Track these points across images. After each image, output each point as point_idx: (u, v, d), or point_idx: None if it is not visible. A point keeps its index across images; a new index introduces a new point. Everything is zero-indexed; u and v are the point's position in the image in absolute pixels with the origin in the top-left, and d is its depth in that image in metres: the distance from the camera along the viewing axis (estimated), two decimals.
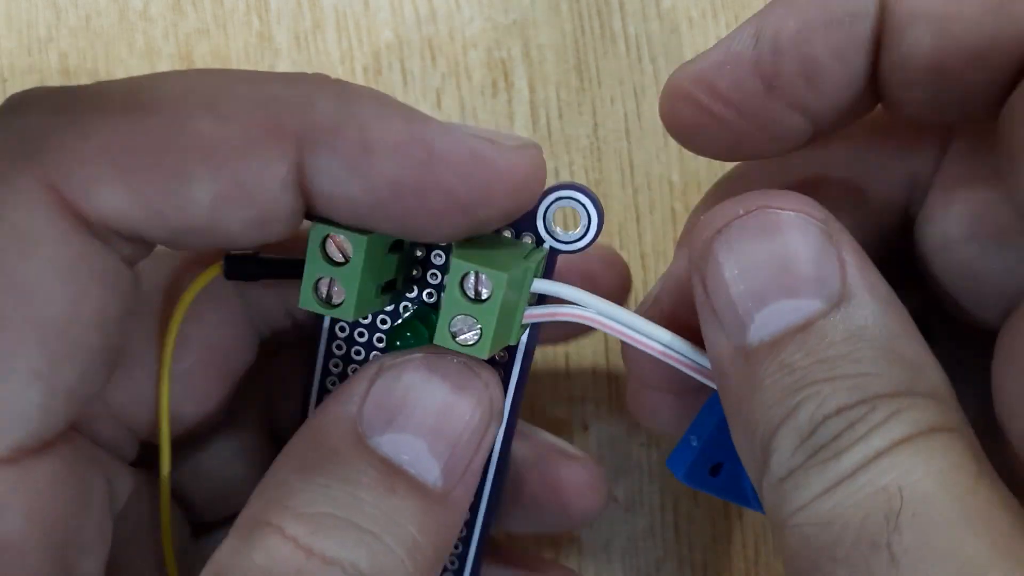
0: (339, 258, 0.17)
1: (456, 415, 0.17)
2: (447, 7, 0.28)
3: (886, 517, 0.14)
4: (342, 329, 0.20)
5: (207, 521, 0.22)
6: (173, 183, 0.15)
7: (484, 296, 0.17)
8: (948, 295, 0.18)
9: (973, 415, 0.15)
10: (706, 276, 0.16)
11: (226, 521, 0.21)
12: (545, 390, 0.28)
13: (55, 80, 0.28)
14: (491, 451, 0.20)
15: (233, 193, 0.15)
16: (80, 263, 0.15)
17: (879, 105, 0.18)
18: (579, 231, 0.19)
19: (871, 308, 0.15)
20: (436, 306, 0.19)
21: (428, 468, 0.17)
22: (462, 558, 0.21)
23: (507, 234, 0.19)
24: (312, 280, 0.17)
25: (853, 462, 0.14)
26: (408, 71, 0.28)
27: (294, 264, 0.18)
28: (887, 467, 0.14)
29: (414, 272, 0.19)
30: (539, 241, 0.19)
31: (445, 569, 0.21)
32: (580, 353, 0.28)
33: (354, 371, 0.20)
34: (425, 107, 0.28)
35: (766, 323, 0.15)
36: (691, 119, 0.18)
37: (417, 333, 0.19)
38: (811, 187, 0.18)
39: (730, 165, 0.22)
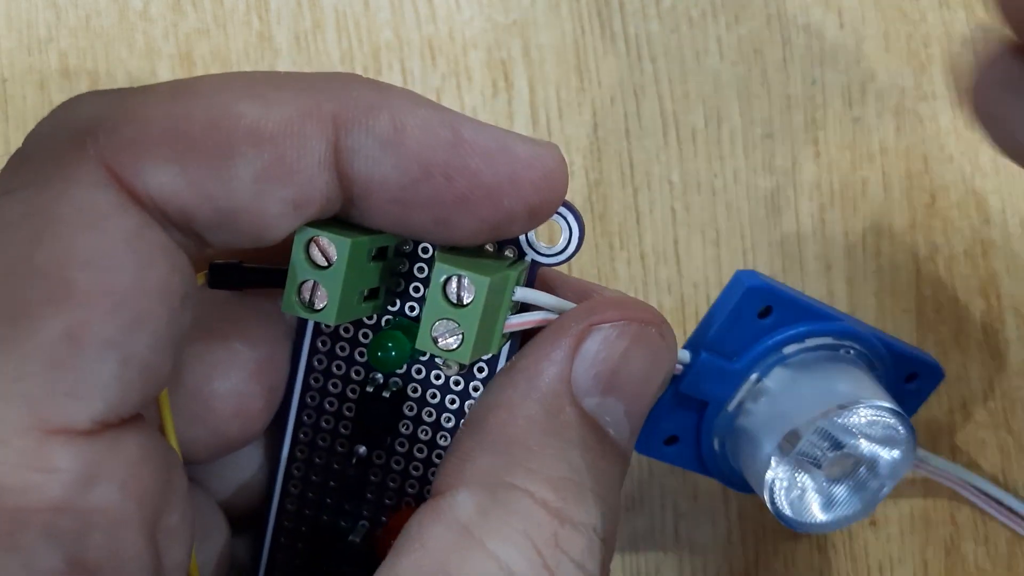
0: (323, 262, 0.17)
1: (651, 383, 0.19)
2: (447, 7, 0.28)
3: None
4: (327, 325, 0.20)
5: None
6: (218, 161, 0.16)
7: (466, 301, 0.17)
8: None
9: None
10: None
11: (242, 517, 0.21)
12: None
13: (55, 80, 0.28)
14: None
15: (275, 171, 0.16)
16: (141, 235, 0.16)
17: None
18: (560, 244, 0.19)
19: None
20: (418, 320, 0.19)
21: (623, 431, 0.18)
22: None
23: (489, 248, 0.19)
24: (296, 284, 0.18)
25: None
26: (408, 71, 0.28)
27: (278, 273, 0.18)
28: None
29: (397, 287, 0.19)
30: (520, 254, 0.19)
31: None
32: None
33: (338, 368, 0.20)
34: None
35: None
36: None
37: (399, 343, 0.19)
38: None
39: None
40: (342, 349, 0.20)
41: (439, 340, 0.17)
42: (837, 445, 0.22)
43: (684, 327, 0.28)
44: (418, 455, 0.21)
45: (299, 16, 0.28)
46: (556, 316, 0.19)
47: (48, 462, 0.15)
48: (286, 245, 0.18)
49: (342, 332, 0.20)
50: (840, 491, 0.23)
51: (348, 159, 0.16)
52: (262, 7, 0.28)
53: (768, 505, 0.22)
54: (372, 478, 0.21)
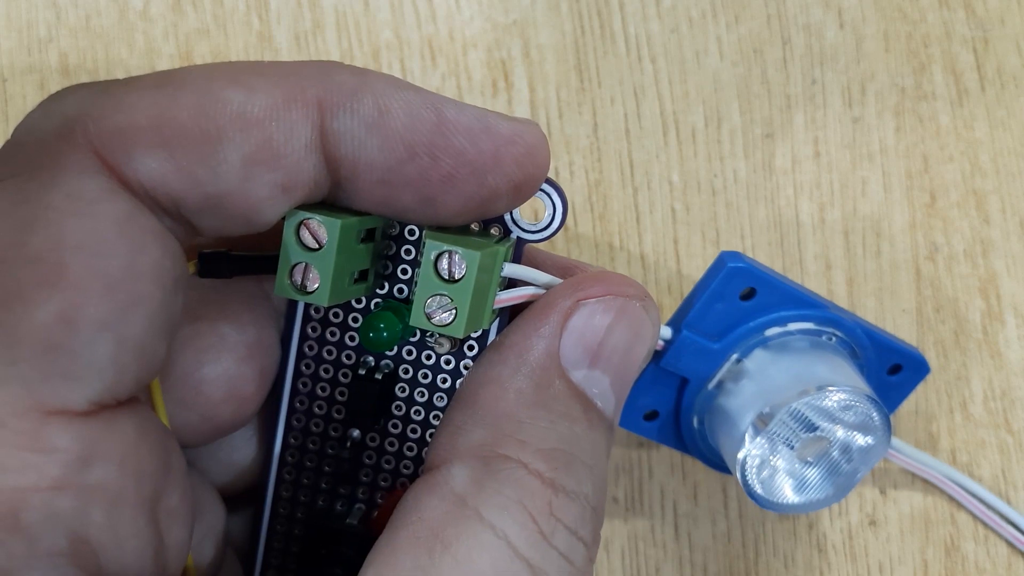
0: (313, 244, 0.18)
1: (634, 355, 0.19)
2: (447, 7, 0.28)
3: None
4: (316, 311, 0.20)
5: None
6: (206, 146, 0.16)
7: (458, 276, 0.18)
8: None
9: None
10: None
11: (236, 497, 0.21)
12: None
13: (55, 80, 0.28)
14: None
15: (262, 155, 0.16)
16: (132, 220, 0.16)
17: None
18: (544, 220, 0.19)
19: None
20: (407, 302, 0.20)
21: (609, 402, 0.19)
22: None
23: (475, 227, 0.19)
24: (287, 267, 0.18)
25: None
26: (408, 71, 0.28)
27: (267, 259, 0.19)
28: None
29: (385, 270, 0.20)
30: (506, 232, 0.19)
31: None
32: None
33: (329, 353, 0.20)
34: None
35: None
36: None
37: (390, 323, 0.19)
38: None
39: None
40: (332, 334, 0.20)
41: (433, 316, 0.18)
42: (810, 427, 0.22)
43: None
44: (412, 436, 0.21)
45: (299, 16, 0.28)
46: (543, 291, 0.19)
47: (47, 443, 0.15)
48: (275, 233, 0.18)
49: (331, 317, 0.20)
50: (813, 474, 0.23)
51: (334, 142, 0.17)
52: (262, 7, 0.28)
53: (740, 483, 0.23)
54: (367, 461, 0.21)
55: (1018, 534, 0.28)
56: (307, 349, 0.21)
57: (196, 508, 0.20)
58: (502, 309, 0.20)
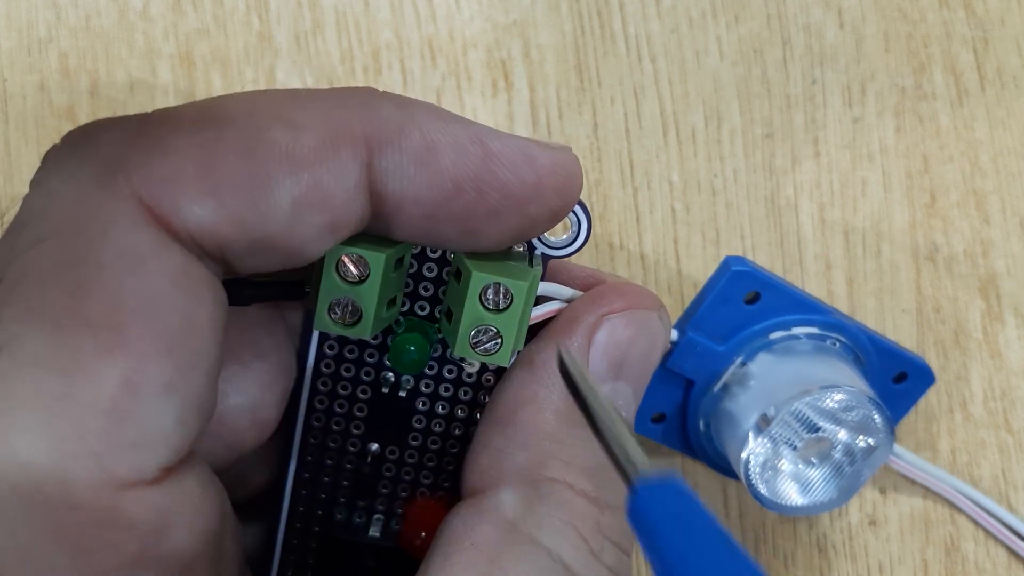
0: (353, 278, 0.17)
1: (651, 363, 0.19)
2: (447, 7, 0.28)
3: None
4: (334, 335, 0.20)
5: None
6: (256, 191, 0.15)
7: (503, 306, 0.17)
8: None
9: None
10: None
11: (249, 507, 0.21)
12: None
13: (55, 80, 0.28)
14: None
15: (312, 198, 0.16)
16: (186, 273, 0.15)
17: None
18: (569, 236, 0.19)
19: None
20: (429, 318, 0.20)
21: (631, 410, 0.19)
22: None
23: None
24: (327, 302, 0.18)
25: None
26: (408, 71, 0.28)
27: (288, 285, 0.19)
28: None
29: (406, 288, 0.20)
30: (530, 247, 0.19)
31: None
32: None
33: (347, 371, 0.20)
34: None
35: None
36: None
37: (420, 345, 0.19)
38: None
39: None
40: (351, 352, 0.20)
41: (477, 347, 0.18)
42: (813, 428, 0.22)
43: None
44: (432, 447, 0.21)
45: (299, 16, 0.28)
46: (566, 304, 0.19)
47: (123, 519, 0.14)
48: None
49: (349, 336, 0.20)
50: (817, 475, 0.23)
51: (382, 179, 0.16)
52: (262, 7, 0.28)
53: (744, 483, 0.23)
54: (386, 473, 0.21)
55: (1020, 541, 0.28)
56: (324, 367, 0.20)
57: None
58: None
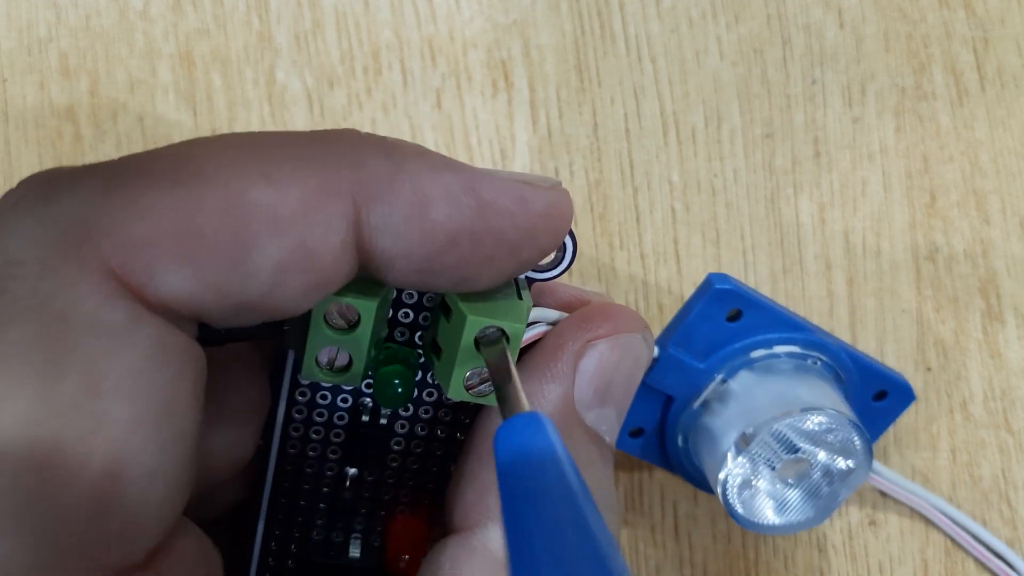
0: (342, 324, 0.17)
1: (635, 384, 0.19)
2: (447, 7, 0.28)
3: None
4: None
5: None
6: (237, 256, 0.15)
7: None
8: None
9: None
10: None
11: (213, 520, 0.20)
12: None
13: (55, 80, 0.28)
14: None
15: (297, 260, 0.15)
16: (164, 345, 0.14)
17: None
18: (554, 259, 0.19)
19: None
20: (410, 344, 0.19)
21: (614, 433, 0.19)
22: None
23: None
24: (315, 351, 0.17)
25: None
26: (408, 71, 0.28)
27: (267, 326, 0.18)
28: None
29: (387, 315, 0.19)
30: None
31: None
32: None
33: (324, 398, 0.20)
34: (425, 107, 0.28)
35: None
36: None
37: (404, 378, 0.18)
38: None
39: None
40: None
41: (472, 388, 0.17)
42: (792, 449, 0.22)
43: None
44: (412, 467, 0.20)
45: (299, 16, 0.28)
46: (551, 327, 0.19)
47: None
48: None
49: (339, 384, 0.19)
50: (794, 495, 0.23)
51: (371, 237, 0.16)
52: (262, 7, 0.28)
53: (721, 501, 0.23)
54: (365, 495, 0.20)
55: (996, 560, 0.28)
56: (299, 396, 0.19)
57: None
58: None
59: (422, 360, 0.19)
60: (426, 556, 0.18)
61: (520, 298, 0.18)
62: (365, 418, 0.20)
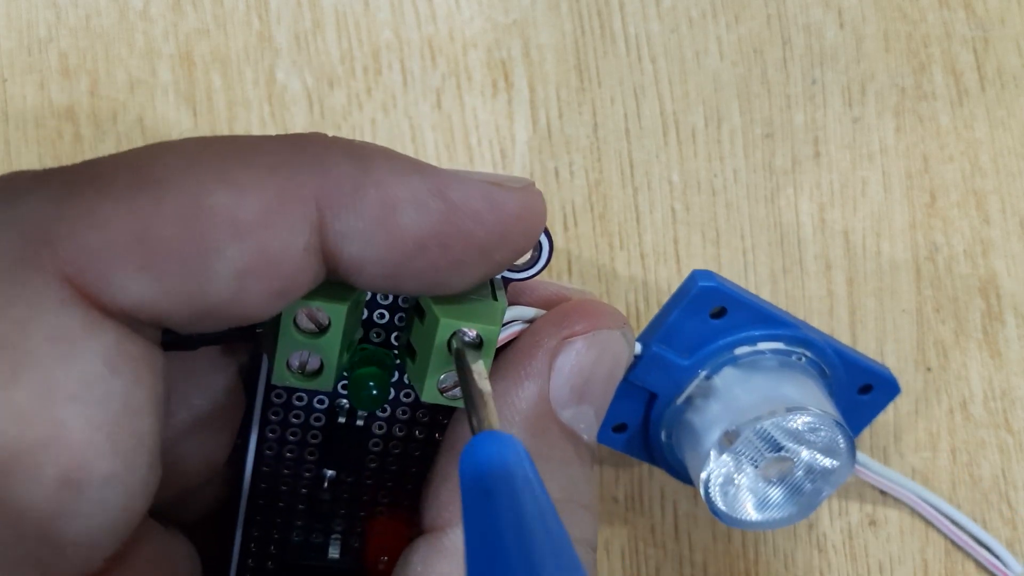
0: (312, 328, 0.17)
1: (614, 381, 0.19)
2: (447, 7, 0.28)
3: None
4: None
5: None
6: (196, 263, 0.14)
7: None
8: None
9: None
10: None
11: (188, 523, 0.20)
12: None
13: (55, 80, 0.28)
14: None
15: (258, 266, 0.15)
16: (121, 352, 0.14)
17: None
18: (531, 259, 0.19)
19: None
20: (386, 345, 0.19)
21: (592, 430, 0.19)
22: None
23: None
24: (285, 355, 0.17)
25: None
26: (408, 71, 0.28)
27: (238, 329, 0.17)
28: None
29: (361, 315, 0.19)
30: None
31: None
32: None
33: (300, 400, 0.19)
34: (425, 107, 0.28)
35: None
36: None
37: (380, 380, 0.18)
38: None
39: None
40: None
41: (446, 391, 0.17)
42: (776, 447, 0.22)
43: None
44: (391, 468, 0.20)
45: (299, 16, 0.28)
46: (528, 325, 0.19)
47: None
48: None
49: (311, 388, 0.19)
50: (776, 493, 0.23)
51: (337, 242, 0.15)
52: (262, 7, 0.28)
53: (703, 498, 0.23)
54: (343, 496, 0.20)
55: (983, 550, 0.28)
56: (275, 398, 0.19)
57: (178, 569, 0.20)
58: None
59: (399, 361, 0.19)
60: (400, 556, 0.18)
61: (495, 299, 0.18)
62: (342, 420, 0.19)
